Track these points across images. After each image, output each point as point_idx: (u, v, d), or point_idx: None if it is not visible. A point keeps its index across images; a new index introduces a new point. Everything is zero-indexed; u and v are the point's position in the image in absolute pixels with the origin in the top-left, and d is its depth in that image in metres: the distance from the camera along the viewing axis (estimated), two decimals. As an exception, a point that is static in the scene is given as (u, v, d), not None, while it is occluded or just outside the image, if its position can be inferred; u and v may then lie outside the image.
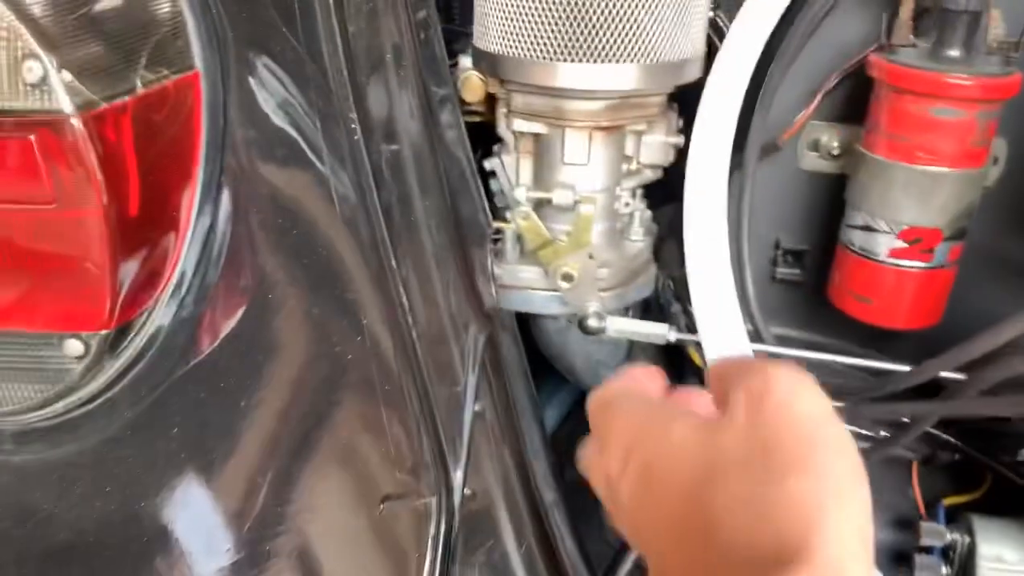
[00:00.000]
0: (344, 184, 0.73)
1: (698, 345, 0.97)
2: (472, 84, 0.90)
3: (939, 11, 0.75)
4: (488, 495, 0.66)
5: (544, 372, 1.09)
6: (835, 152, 0.90)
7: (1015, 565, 0.85)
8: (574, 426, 1.25)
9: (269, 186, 0.73)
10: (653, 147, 0.93)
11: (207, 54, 0.69)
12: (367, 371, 0.71)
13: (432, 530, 0.65)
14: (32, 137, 0.63)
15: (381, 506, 0.67)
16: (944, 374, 0.79)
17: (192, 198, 0.74)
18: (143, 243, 0.70)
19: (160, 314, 0.73)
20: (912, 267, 0.81)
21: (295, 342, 0.72)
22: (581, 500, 1.12)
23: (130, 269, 0.69)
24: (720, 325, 0.80)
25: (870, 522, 0.39)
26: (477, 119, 0.95)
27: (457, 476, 0.67)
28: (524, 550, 0.64)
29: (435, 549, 0.64)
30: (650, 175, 0.97)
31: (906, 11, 0.77)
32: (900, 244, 0.80)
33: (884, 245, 0.81)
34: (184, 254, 0.74)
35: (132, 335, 0.72)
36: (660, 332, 0.86)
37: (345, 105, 0.73)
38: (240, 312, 0.74)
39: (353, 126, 0.73)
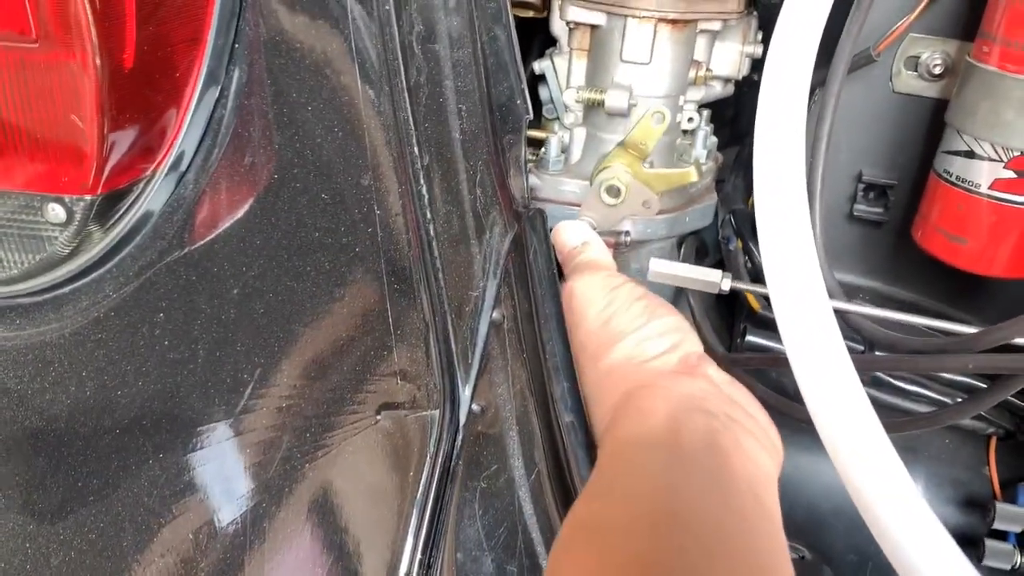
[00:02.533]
0: (369, 59, 0.64)
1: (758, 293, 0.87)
2: (526, -31, 0.80)
3: None
4: (498, 413, 0.57)
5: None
6: (936, 71, 0.78)
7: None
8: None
9: (287, 55, 0.65)
10: (727, 54, 0.82)
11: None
12: (376, 266, 0.63)
13: (432, 448, 0.57)
14: (13, -40, 0.56)
15: (378, 416, 0.59)
16: (1021, 340, 0.67)
17: (200, 64, 0.66)
18: (139, 103, 0.63)
19: (156, 191, 0.65)
20: (1020, 203, 0.69)
21: (299, 229, 0.64)
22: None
23: (122, 130, 0.61)
24: (792, 274, 0.65)
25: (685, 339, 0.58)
26: (530, 14, 0.86)
27: (466, 390, 0.59)
28: (533, 478, 0.55)
29: (432, 468, 0.56)
30: (720, 90, 0.86)
31: None
32: (1008, 174, 0.68)
33: (987, 175, 0.69)
34: (187, 126, 0.66)
35: (123, 210, 0.65)
36: (712, 280, 0.73)
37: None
38: (242, 193, 0.66)
39: (385, -6, 0.64)
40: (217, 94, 0.66)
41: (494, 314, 0.60)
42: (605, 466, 0.49)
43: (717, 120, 0.91)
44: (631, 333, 0.57)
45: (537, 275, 0.59)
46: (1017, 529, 0.78)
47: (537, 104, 0.90)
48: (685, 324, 0.60)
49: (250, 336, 0.62)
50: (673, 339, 0.57)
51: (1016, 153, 0.67)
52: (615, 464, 0.49)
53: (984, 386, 0.80)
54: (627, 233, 0.72)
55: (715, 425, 0.50)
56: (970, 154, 0.70)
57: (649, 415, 0.50)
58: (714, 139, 0.88)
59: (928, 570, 0.49)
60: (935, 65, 0.77)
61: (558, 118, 0.87)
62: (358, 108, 0.64)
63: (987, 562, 0.78)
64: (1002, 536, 0.80)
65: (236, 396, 0.61)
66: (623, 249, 0.74)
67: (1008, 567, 0.78)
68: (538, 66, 0.87)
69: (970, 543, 0.81)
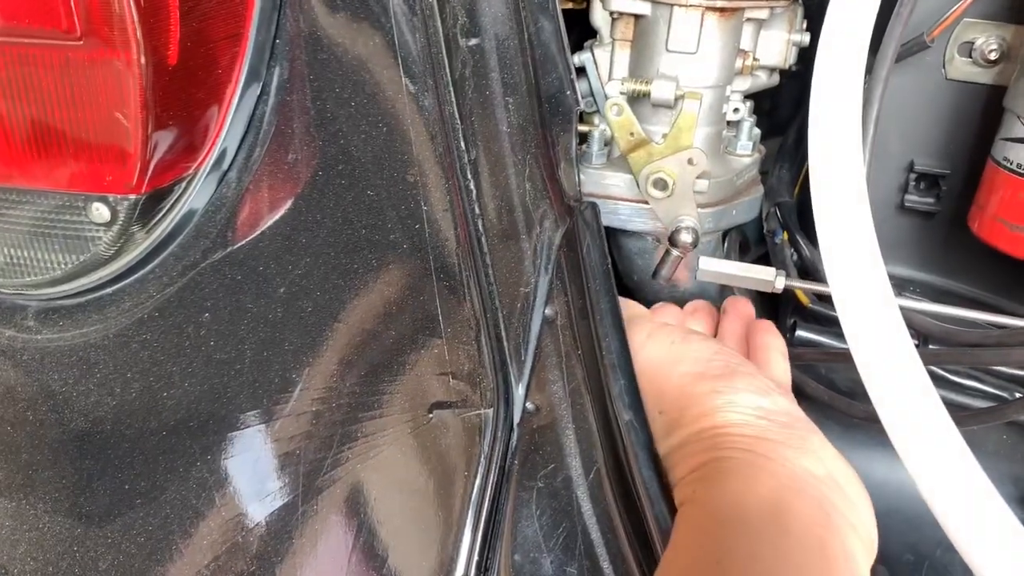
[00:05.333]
0: (412, 52, 0.63)
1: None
2: (567, -38, 0.78)
3: None
4: (553, 411, 0.56)
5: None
6: (992, 57, 0.76)
7: None
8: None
9: (329, 50, 0.64)
10: (773, 43, 0.80)
11: None
12: (424, 263, 0.62)
13: (487, 447, 0.56)
14: (57, -43, 0.55)
15: (430, 414, 0.58)
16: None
17: (242, 61, 0.65)
18: (182, 101, 0.62)
19: (198, 189, 0.65)
20: (1086, 190, 0.67)
21: (345, 226, 0.63)
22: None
23: (165, 128, 0.61)
24: (854, 269, 0.61)
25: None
26: (569, 5, 0.84)
27: (519, 388, 0.57)
28: (592, 476, 0.53)
29: (487, 467, 0.54)
30: (765, 80, 0.84)
31: None
32: (1076, 161, 0.66)
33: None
34: (229, 123, 0.65)
35: (166, 209, 0.64)
36: (766, 278, 0.70)
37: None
38: (286, 191, 0.65)
39: (427, -13, 0.63)
40: (259, 91, 0.65)
41: (547, 310, 0.59)
42: (703, 534, 0.46)
43: (756, 111, 0.89)
44: (750, 375, 0.55)
45: (591, 269, 0.58)
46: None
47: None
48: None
49: (298, 335, 0.61)
50: (778, 398, 0.55)
51: (1081, 138, 0.65)
52: (719, 537, 0.45)
53: (1043, 380, 0.78)
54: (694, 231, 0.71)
55: (820, 517, 0.47)
56: (1032, 140, 0.68)
57: (756, 483, 0.47)
58: (757, 130, 0.86)
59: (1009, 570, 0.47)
60: (991, 51, 0.75)
61: (598, 111, 0.85)
62: (402, 103, 0.63)
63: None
64: (1065, 535, 0.77)
65: (285, 396, 0.60)
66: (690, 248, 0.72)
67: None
68: (578, 59, 0.85)
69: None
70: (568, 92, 0.63)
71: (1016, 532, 0.48)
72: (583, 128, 0.83)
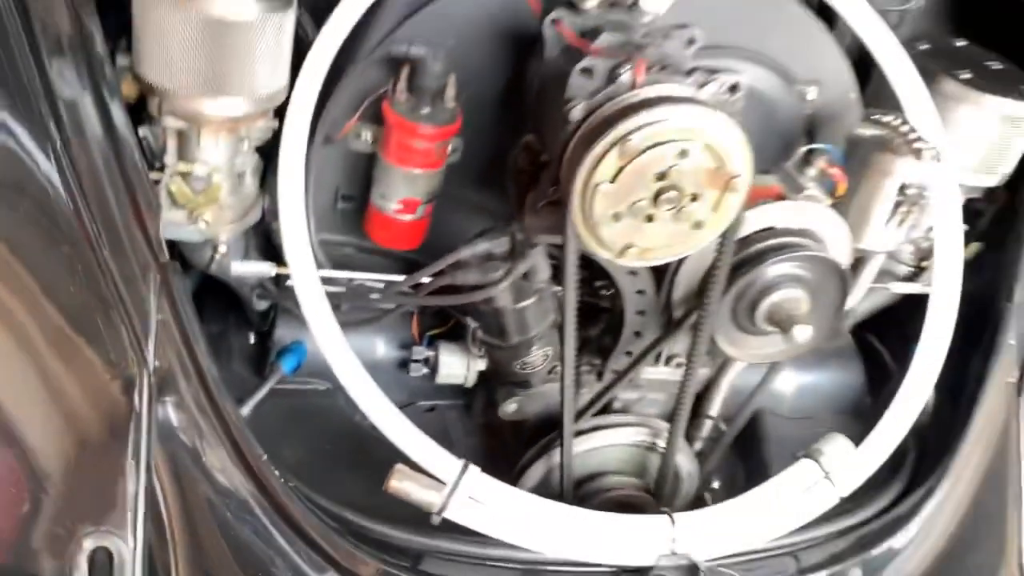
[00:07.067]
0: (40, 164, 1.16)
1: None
2: (129, 84, 1.34)
3: (416, 85, 1.37)
4: (171, 365, 1.21)
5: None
6: (371, 143, 1.50)
7: (454, 367, 1.63)
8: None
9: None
10: (259, 131, 1.45)
11: None
12: (93, 292, 1.20)
13: (137, 385, 1.19)
14: None
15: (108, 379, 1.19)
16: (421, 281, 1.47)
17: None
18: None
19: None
20: (404, 219, 1.48)
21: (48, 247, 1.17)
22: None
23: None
24: (298, 247, 1.35)
25: None
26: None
27: (150, 353, 1.21)
28: (193, 392, 1.21)
29: (139, 396, 1.18)
30: (257, 157, 1.50)
31: (402, 80, 1.38)
32: (399, 206, 1.46)
33: (391, 205, 1.46)
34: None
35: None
36: (265, 271, 1.44)
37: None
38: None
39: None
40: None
41: (159, 316, 1.22)
42: None
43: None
44: None
45: (178, 289, 1.22)
46: (421, 357, 1.66)
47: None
48: None
49: None
50: None
51: (401, 197, 1.45)
52: None
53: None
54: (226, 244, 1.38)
55: None
56: (383, 196, 1.45)
57: None
58: (255, 158, 1.52)
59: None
60: (369, 140, 1.49)
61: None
62: (52, 211, 1.18)
63: (412, 373, 1.66)
64: (417, 361, 1.68)
65: None
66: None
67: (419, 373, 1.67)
68: (142, 132, 1.41)
69: (404, 365, 1.69)
70: (147, 200, 1.23)
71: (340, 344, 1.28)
72: (155, 176, 1.41)
